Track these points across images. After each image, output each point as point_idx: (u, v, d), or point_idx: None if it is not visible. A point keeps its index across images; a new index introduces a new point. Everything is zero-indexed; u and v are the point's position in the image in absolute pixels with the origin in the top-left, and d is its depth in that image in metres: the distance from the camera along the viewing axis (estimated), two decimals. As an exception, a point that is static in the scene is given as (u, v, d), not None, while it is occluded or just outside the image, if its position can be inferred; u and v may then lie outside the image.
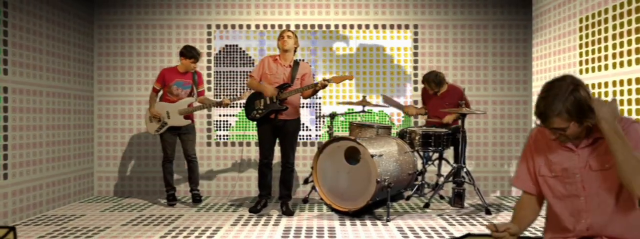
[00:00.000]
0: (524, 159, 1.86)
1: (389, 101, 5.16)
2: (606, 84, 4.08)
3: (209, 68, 5.51)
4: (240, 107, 5.49)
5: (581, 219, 1.68)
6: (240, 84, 5.51)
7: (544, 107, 1.64)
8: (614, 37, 3.99)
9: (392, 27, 5.51)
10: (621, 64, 3.88)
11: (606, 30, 4.09)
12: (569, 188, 1.71)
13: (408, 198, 4.77)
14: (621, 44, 3.89)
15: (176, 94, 4.69)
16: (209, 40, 5.51)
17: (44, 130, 4.51)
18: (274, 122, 4.28)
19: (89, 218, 4.24)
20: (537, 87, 5.25)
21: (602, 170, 1.66)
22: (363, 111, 4.86)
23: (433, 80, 4.77)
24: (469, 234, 1.61)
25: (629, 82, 3.79)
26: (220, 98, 5.41)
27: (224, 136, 5.52)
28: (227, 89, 5.51)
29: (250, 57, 5.52)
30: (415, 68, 5.52)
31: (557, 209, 1.75)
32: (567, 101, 1.60)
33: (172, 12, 5.50)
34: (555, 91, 1.64)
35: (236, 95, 5.42)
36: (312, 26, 5.50)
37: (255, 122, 4.49)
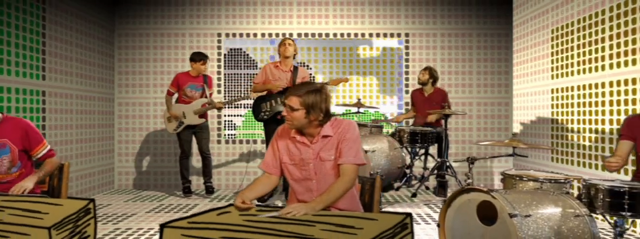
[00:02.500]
0: (271, 148, 2.38)
1: (380, 121, 5.76)
2: (572, 88, 4.62)
3: (219, 73, 6.06)
4: (244, 107, 6.05)
5: (313, 195, 2.25)
6: (245, 85, 6.07)
7: (293, 88, 2.18)
8: (578, 47, 4.54)
9: (385, 35, 6.07)
10: (584, 71, 4.43)
11: (572, 40, 4.64)
12: (304, 173, 2.28)
13: (398, 189, 5.32)
14: (584, 53, 4.44)
15: (190, 95, 5.22)
16: (219, 47, 6.07)
17: (74, 129, 5.07)
18: (281, 122, 4.83)
19: (115, 207, 4.79)
20: (517, 90, 5.80)
21: (329, 160, 2.24)
22: (358, 112, 5.40)
23: (433, 69, 5.30)
24: (230, 205, 2.16)
25: (590, 86, 4.33)
26: (229, 98, 5.97)
27: (232, 134, 6.08)
28: (234, 90, 6.07)
29: (254, 60, 6.09)
30: (407, 73, 6.07)
31: (295, 188, 2.33)
32: (310, 94, 2.15)
33: (185, 21, 6.06)
34: (309, 83, 2.23)
35: (233, 97, 6.02)
36: (313, 34, 6.06)
37: (261, 123, 5.03)
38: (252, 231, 1.72)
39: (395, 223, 1.81)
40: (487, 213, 2.59)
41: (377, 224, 1.81)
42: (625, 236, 3.71)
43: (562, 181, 2.78)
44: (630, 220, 3.41)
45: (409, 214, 1.89)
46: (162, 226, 1.80)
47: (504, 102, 6.09)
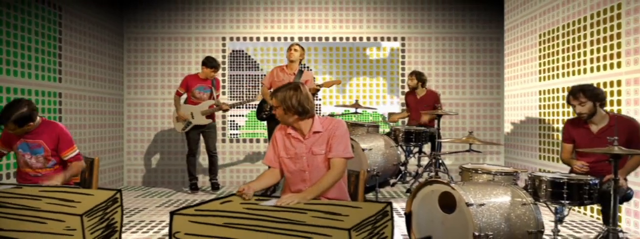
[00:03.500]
0: (272, 144, 2.66)
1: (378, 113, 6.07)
2: (558, 90, 4.90)
3: (223, 74, 6.35)
4: (247, 108, 6.34)
5: (306, 185, 2.51)
6: (247, 85, 6.37)
7: (274, 90, 2.44)
8: (563, 51, 4.81)
9: (382, 39, 6.35)
10: (569, 74, 4.71)
11: (558, 45, 4.92)
12: (298, 166, 2.54)
13: (393, 185, 5.60)
14: (569, 57, 4.72)
15: (199, 97, 5.49)
16: (223, 51, 6.35)
17: (87, 128, 5.35)
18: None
19: (126, 202, 5.06)
20: (508, 92, 6.08)
21: (320, 154, 2.51)
22: (356, 112, 5.68)
23: (419, 73, 5.58)
24: (232, 195, 2.42)
25: (573, 88, 4.61)
26: (233, 98, 6.27)
27: (235, 134, 6.37)
28: (237, 91, 6.36)
29: (255, 62, 6.38)
30: (403, 75, 6.36)
31: (290, 179, 2.59)
32: (282, 91, 2.43)
33: (191, 26, 6.34)
34: (287, 84, 2.49)
35: (239, 100, 6.32)
36: (314, 38, 6.34)
37: (264, 122, 5.33)
38: (251, 218, 1.98)
39: (378, 210, 2.06)
40: (447, 202, 2.91)
41: (362, 211, 2.06)
42: (568, 218, 4.04)
43: (511, 173, 3.13)
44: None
45: (389, 203, 2.14)
46: (172, 214, 2.07)
47: (495, 103, 6.37)
